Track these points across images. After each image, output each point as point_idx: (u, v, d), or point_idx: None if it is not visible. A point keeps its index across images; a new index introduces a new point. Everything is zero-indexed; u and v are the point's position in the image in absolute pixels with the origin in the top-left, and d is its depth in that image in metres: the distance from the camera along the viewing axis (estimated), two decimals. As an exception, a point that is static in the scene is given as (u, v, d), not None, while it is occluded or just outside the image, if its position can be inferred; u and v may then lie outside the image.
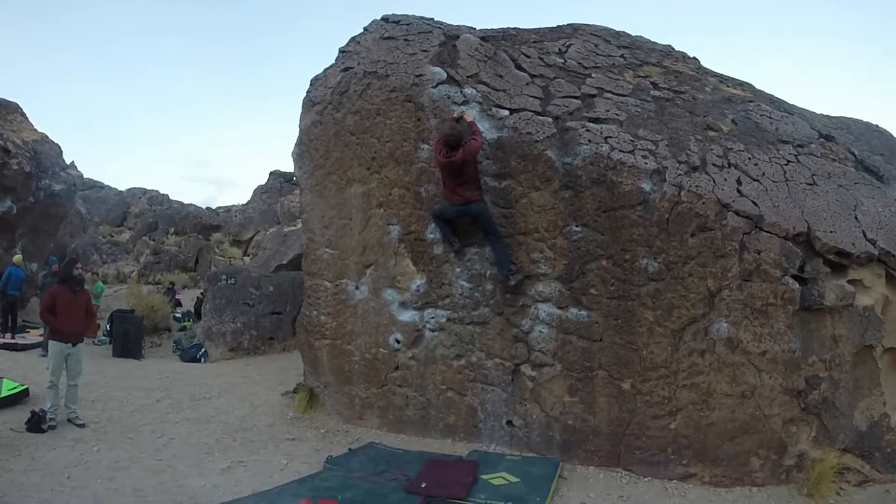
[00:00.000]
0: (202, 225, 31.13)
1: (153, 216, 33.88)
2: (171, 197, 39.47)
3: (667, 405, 6.45)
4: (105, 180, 42.06)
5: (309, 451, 7.31)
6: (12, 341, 12.49)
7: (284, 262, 15.98)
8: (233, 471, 6.67)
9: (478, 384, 7.31)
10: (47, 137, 17.53)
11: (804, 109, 9.00)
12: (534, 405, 7.03)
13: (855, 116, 9.81)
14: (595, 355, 6.68)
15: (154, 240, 28.59)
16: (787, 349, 6.17)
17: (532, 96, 7.45)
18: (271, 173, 34.96)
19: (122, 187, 41.40)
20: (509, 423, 7.21)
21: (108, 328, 14.27)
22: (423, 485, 6.07)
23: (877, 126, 9.61)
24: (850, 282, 6.35)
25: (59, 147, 17.87)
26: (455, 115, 7.13)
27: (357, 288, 8.07)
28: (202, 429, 7.97)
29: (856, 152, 7.73)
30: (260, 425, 8.21)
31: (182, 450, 7.19)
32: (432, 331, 7.54)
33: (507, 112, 7.21)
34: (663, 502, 6.13)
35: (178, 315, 17.08)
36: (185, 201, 38.58)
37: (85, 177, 38.93)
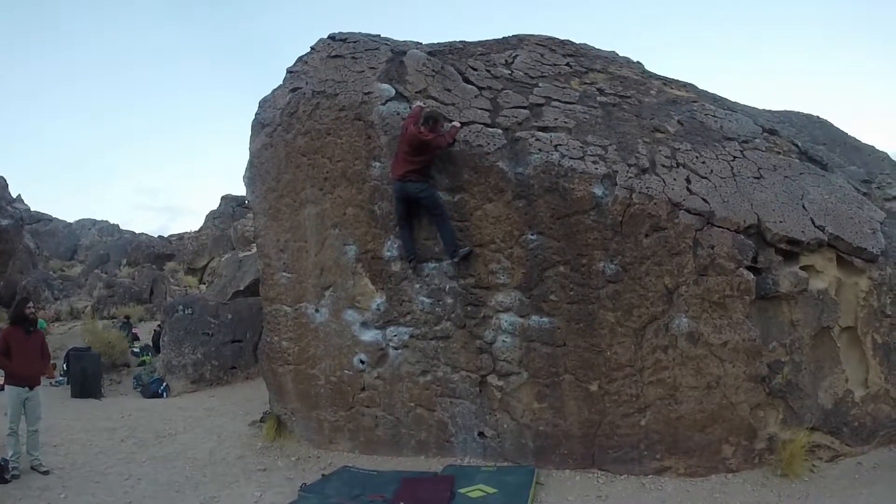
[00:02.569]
0: (155, 254, 30.31)
1: (104, 248, 32.92)
2: (122, 227, 38.57)
3: (635, 403, 6.55)
4: (53, 212, 40.67)
5: (282, 481, 7.18)
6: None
7: (241, 287, 15.64)
8: (206, 508, 6.50)
9: (446, 398, 7.30)
10: (-9, 171, 16.95)
11: (747, 106, 9.29)
12: (504, 415, 7.04)
13: (797, 109, 10.19)
14: (560, 360, 6.74)
15: (106, 272, 27.71)
16: (747, 338, 6.34)
17: (481, 109, 7.52)
18: (223, 197, 34.37)
19: (70, 219, 40.16)
20: (481, 434, 7.21)
21: (65, 368, 13.76)
22: (400, 504, 6.03)
23: (818, 117, 9.98)
24: (802, 268, 6.57)
25: (5, 180, 17.31)
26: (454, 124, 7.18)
27: (317, 311, 7.97)
28: (170, 466, 7.75)
29: (799, 144, 8.01)
30: (229, 458, 8.02)
31: (151, 490, 6.98)
32: (396, 349, 7.49)
33: (458, 125, 7.21)
34: (642, 498, 6.22)
35: (135, 349, 16.51)
36: (137, 230, 37.73)
37: (32, 210, 37.73)
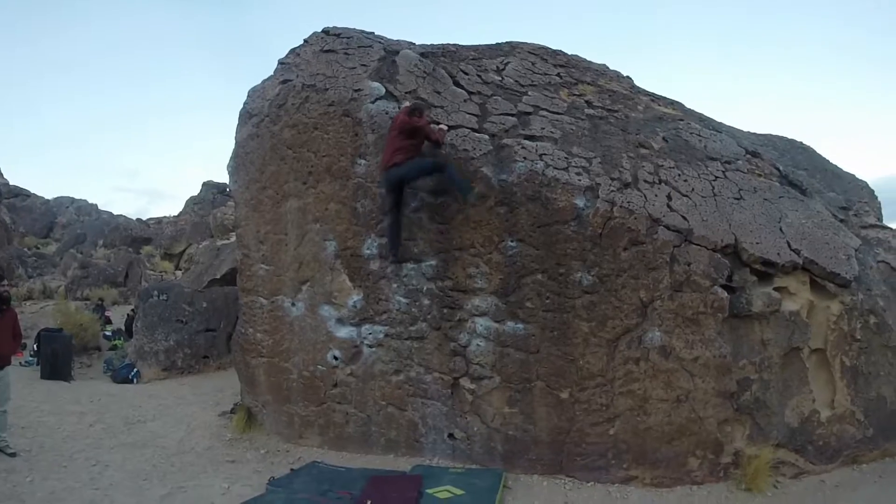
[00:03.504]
0: (132, 237, 29.93)
1: (81, 227, 32.41)
2: (101, 207, 38.00)
3: (605, 412, 6.62)
4: (32, 188, 39.85)
5: (250, 473, 7.16)
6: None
7: (218, 276, 15.53)
8: (172, 497, 6.48)
9: (418, 399, 7.32)
10: (-30, 143, 16.61)
11: (732, 127, 9.42)
12: (474, 418, 7.08)
13: (781, 133, 10.35)
14: (533, 367, 6.79)
15: (82, 253, 27.35)
16: (717, 354, 6.44)
17: (469, 113, 7.57)
18: (204, 184, 34.07)
19: (49, 196, 39.47)
20: (451, 436, 7.24)
21: (36, 348, 13.56)
22: (369, 502, 6.03)
23: (801, 143, 10.15)
24: (776, 289, 6.70)
25: (-17, 154, 16.94)
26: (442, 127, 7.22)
27: (293, 304, 7.97)
28: (138, 454, 7.68)
29: (780, 168, 8.14)
30: (198, 448, 7.97)
31: (118, 477, 6.92)
32: (370, 346, 7.51)
33: (446, 128, 7.25)
34: (607, 505, 6.27)
35: (108, 333, 16.33)
36: (116, 212, 37.18)
37: (10, 184, 37.05)
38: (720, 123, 9.23)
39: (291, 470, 7.12)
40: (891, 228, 8.77)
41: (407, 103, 7.41)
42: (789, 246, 6.78)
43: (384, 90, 7.67)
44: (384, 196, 7.20)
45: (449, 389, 7.17)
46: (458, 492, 6.30)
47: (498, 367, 6.93)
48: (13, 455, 7.29)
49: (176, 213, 34.90)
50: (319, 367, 7.77)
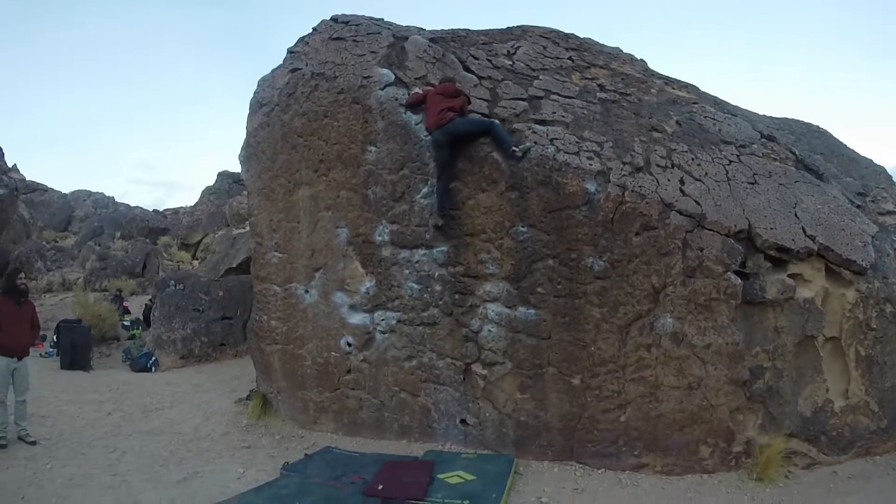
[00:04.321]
0: (149, 228, 30.27)
1: (98, 220, 32.79)
2: (118, 200, 38.38)
3: (616, 399, 6.59)
4: (49, 183, 40.36)
5: (265, 459, 7.24)
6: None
7: (234, 265, 15.69)
8: (188, 482, 6.55)
9: (430, 384, 7.35)
10: (-12, 140, 16.89)
11: (747, 111, 9.29)
12: (486, 403, 7.10)
13: (798, 117, 10.22)
14: (544, 353, 6.78)
15: (100, 245, 27.70)
16: (730, 341, 6.37)
17: (480, 98, 7.52)
18: (220, 174, 34.19)
19: (66, 190, 39.96)
20: (463, 421, 7.27)
21: (55, 339, 13.80)
22: (381, 487, 6.07)
23: (817, 127, 10.00)
24: (790, 276, 6.59)
25: (1, 150, 17.22)
26: None
27: (307, 291, 8.01)
28: (155, 441, 7.80)
29: (796, 152, 8.01)
30: (214, 434, 8.08)
31: (136, 463, 7.03)
32: (383, 333, 7.54)
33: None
34: (617, 493, 6.26)
35: (126, 323, 16.57)
36: (133, 204, 37.55)
37: (28, 179, 37.53)
38: (735, 107, 9.11)
39: (305, 455, 7.18)
40: (909, 215, 8.63)
41: (417, 89, 7.42)
42: (804, 232, 6.67)
43: (393, 77, 7.65)
44: (437, 154, 7.01)
45: (461, 375, 7.19)
46: (470, 477, 6.32)
47: (510, 352, 6.93)
48: (33, 443, 7.43)
49: (192, 204, 35.13)
50: (333, 353, 7.82)
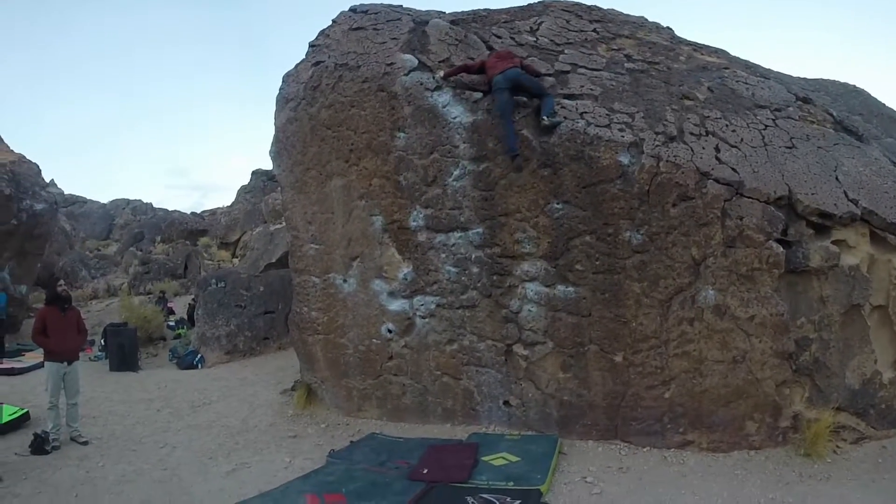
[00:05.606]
0: (188, 230, 30.84)
1: (138, 226, 33.55)
2: (156, 205, 39.18)
3: (660, 375, 6.51)
4: (87, 195, 41.53)
5: (311, 447, 7.35)
6: (8, 366, 12.37)
7: (273, 260, 15.90)
8: (237, 473, 6.69)
9: (472, 367, 7.36)
10: (24, 157, 17.35)
11: (781, 73, 9.03)
12: (529, 384, 7.08)
13: (833, 78, 9.89)
14: (585, 330, 6.72)
15: (141, 250, 28.36)
16: (774, 312, 6.21)
17: (504, 76, 7.41)
18: (254, 172, 34.61)
19: (104, 200, 41.04)
20: (506, 403, 7.27)
21: (103, 343, 14.19)
22: (425, 471, 6.12)
23: (854, 86, 9.67)
24: (834, 242, 6.39)
25: (38, 166, 17.71)
26: None
27: (345, 281, 8.07)
28: (204, 434, 8.00)
29: (834, 113, 7.75)
30: (261, 426, 8.24)
31: (186, 457, 7.20)
32: (423, 318, 7.56)
33: (480, 94, 7.17)
34: (663, 471, 6.19)
35: (171, 323, 16.96)
36: (170, 209, 38.30)
37: (66, 193, 38.60)
38: (768, 70, 8.85)
39: (351, 442, 7.27)
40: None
41: (440, 73, 7.39)
42: (846, 196, 6.44)
43: (416, 61, 7.61)
44: (498, 98, 6.92)
45: (503, 357, 7.17)
46: (514, 458, 6.33)
47: (550, 332, 6.89)
48: (85, 443, 7.66)
49: (229, 204, 35.66)
50: (374, 340, 7.88)
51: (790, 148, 6.84)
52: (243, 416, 8.65)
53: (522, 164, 6.82)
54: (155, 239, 30.85)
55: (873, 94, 9.55)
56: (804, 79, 9.31)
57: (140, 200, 40.32)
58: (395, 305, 7.71)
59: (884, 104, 9.41)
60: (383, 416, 7.96)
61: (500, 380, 7.23)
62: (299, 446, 7.41)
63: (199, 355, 12.97)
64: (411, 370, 7.70)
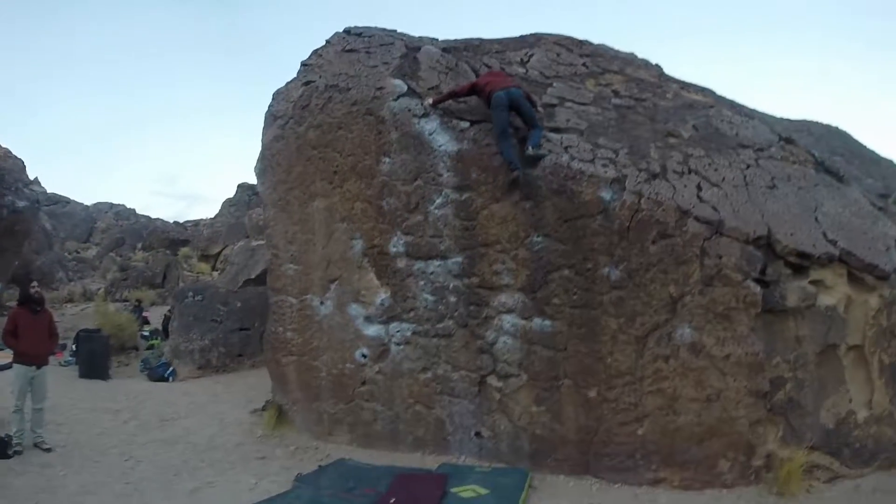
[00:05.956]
0: (170, 240, 30.53)
1: (120, 231, 33.26)
2: (140, 212, 38.88)
3: (633, 411, 6.47)
4: (71, 195, 41.04)
5: (278, 470, 7.21)
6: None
7: (252, 276, 15.74)
8: (201, 492, 6.56)
9: (445, 396, 7.29)
10: (10, 152, 17.22)
11: (765, 113, 9.17)
12: (501, 416, 7.02)
13: (816, 119, 10.09)
14: (560, 364, 6.69)
15: (121, 256, 28.09)
16: (750, 352, 6.22)
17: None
18: (239, 185, 34.36)
19: (88, 202, 40.58)
20: (478, 434, 7.19)
21: (74, 348, 13.94)
22: (393, 500, 6.02)
23: (837, 128, 9.87)
24: (811, 282, 6.43)
25: (23, 162, 17.57)
26: None
27: (322, 303, 8.01)
28: (170, 450, 7.84)
29: (816, 154, 7.85)
30: (228, 445, 8.09)
31: (150, 472, 7.05)
32: (398, 344, 7.50)
33: (467, 124, 7.22)
34: (634, 508, 6.12)
35: (145, 333, 16.70)
36: (154, 216, 38.01)
37: (49, 191, 38.12)
38: (753, 110, 8.99)
39: (319, 467, 7.15)
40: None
41: (427, 100, 7.40)
42: (825, 237, 6.50)
43: (406, 87, 7.63)
44: (498, 115, 6.89)
45: (476, 387, 7.12)
46: (483, 491, 6.24)
47: (525, 364, 6.85)
48: (48, 450, 7.49)
49: (212, 216, 35.44)
50: (348, 364, 7.80)
51: (771, 188, 6.90)
52: (211, 434, 8.49)
53: (521, 179, 6.75)
54: (136, 246, 30.58)
55: (855, 136, 9.74)
56: (788, 119, 9.48)
57: (124, 205, 40.07)
58: (371, 330, 7.65)
59: (864, 145, 9.62)
60: (354, 442, 7.84)
61: (472, 411, 7.17)
62: (266, 468, 7.28)
63: (170, 368, 12.77)
64: (384, 397, 7.61)
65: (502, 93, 6.92)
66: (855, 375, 6.54)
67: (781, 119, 9.27)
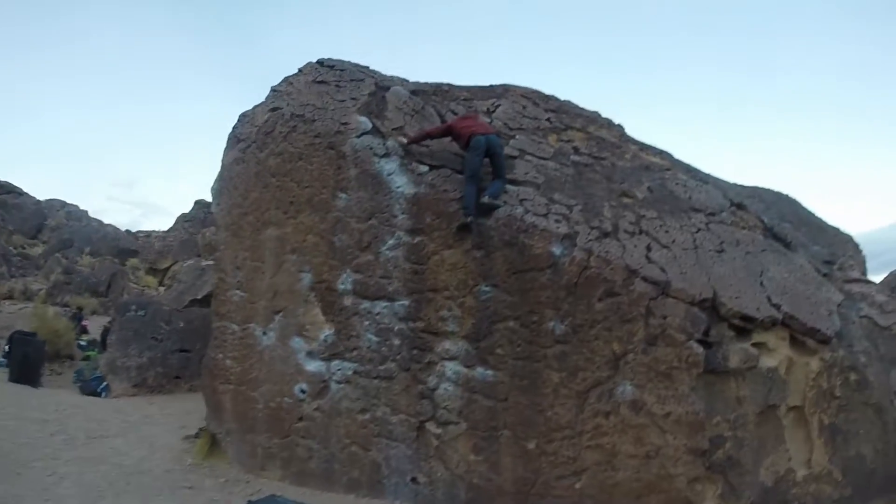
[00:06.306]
0: (119, 248, 29.78)
1: (69, 232, 32.24)
2: (92, 214, 37.74)
3: (572, 465, 6.46)
4: (25, 187, 39.47)
5: (206, 502, 6.98)
6: None
7: (199, 297, 15.33)
8: (123, 518, 6.30)
9: (382, 439, 7.18)
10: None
11: (719, 179, 9.41)
12: (438, 463, 6.94)
13: (773, 187, 10.39)
14: (500, 415, 6.66)
15: (67, 258, 27.17)
16: (690, 411, 6.29)
17: (454, 154, 7.51)
18: (196, 202, 33.96)
19: (41, 197, 39.18)
20: (414, 480, 7.08)
21: (7, 350, 13.36)
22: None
23: (787, 195, 10.18)
24: (754, 345, 6.56)
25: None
26: None
27: (265, 333, 7.86)
28: (95, 469, 7.51)
29: (765, 220, 8.07)
30: (157, 470, 7.79)
31: (72, 490, 6.74)
32: (338, 383, 7.38)
33: (426, 168, 7.24)
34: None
35: (82, 342, 16.18)
36: (108, 221, 36.99)
37: (2, 180, 36.75)
38: (708, 175, 9.22)
39: (249, 502, 6.92)
40: (874, 283, 8.74)
41: (401, 137, 7.46)
42: (769, 301, 6.67)
43: (371, 125, 7.64)
44: (472, 158, 6.99)
45: (414, 432, 7.03)
46: (415, 540, 6.14)
47: (465, 413, 6.81)
48: None
49: (166, 229, 34.74)
50: (286, 399, 7.64)
51: (719, 252, 7.06)
52: (140, 457, 8.17)
53: (472, 227, 6.80)
54: (83, 250, 29.64)
55: (804, 204, 10.06)
56: (741, 185, 9.73)
57: (77, 206, 38.75)
58: (312, 366, 7.52)
59: (813, 213, 9.92)
60: (286, 479, 7.63)
61: (409, 455, 7.07)
62: (194, 499, 7.03)
63: (104, 383, 12.37)
64: (320, 434, 7.46)
65: (482, 138, 7.04)
66: (795, 435, 6.66)
67: (735, 185, 9.52)
